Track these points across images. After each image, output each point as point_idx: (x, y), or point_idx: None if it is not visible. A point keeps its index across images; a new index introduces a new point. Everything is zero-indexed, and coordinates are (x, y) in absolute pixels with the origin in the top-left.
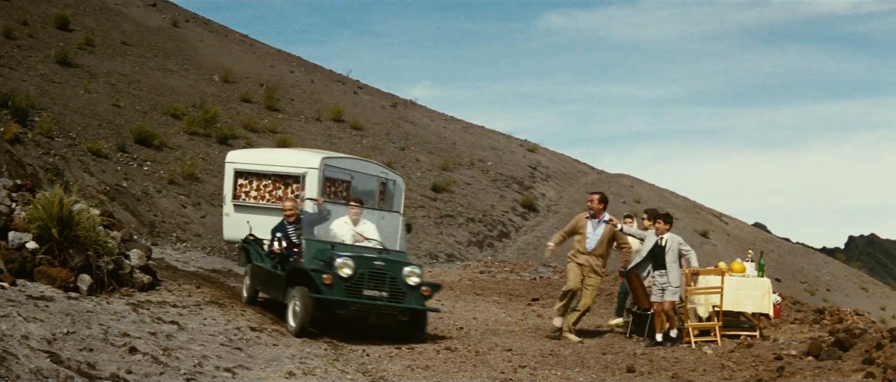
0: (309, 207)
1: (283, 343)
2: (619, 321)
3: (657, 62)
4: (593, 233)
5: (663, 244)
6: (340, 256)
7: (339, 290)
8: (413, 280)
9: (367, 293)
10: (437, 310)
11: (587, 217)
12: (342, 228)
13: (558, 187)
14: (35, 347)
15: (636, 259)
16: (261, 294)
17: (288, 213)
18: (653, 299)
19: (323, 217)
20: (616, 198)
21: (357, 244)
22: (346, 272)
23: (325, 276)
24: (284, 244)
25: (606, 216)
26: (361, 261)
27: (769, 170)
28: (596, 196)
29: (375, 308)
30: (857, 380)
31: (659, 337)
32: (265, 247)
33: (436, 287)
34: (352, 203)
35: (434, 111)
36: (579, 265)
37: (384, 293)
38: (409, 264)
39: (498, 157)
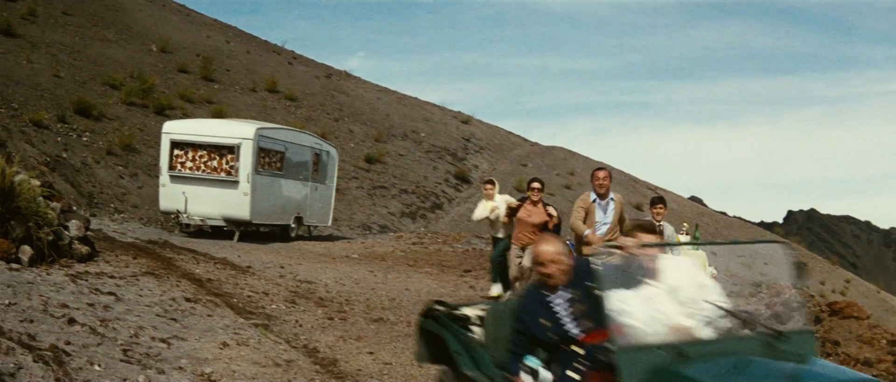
0: (602, 259)
1: (218, 313)
2: (497, 292)
3: (593, 35)
4: (604, 216)
5: (659, 230)
6: None
7: None
8: None
9: None
10: None
11: (593, 200)
12: (652, 304)
13: (491, 159)
14: None
15: None
16: None
17: (547, 271)
18: None
19: (633, 279)
20: (549, 170)
21: (720, 335)
22: None
23: None
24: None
25: (612, 195)
26: None
27: (707, 144)
28: (604, 172)
29: None
30: None
31: None
32: (473, 330)
33: None
34: (639, 235)
35: (368, 82)
36: None
37: None
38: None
39: (431, 128)
